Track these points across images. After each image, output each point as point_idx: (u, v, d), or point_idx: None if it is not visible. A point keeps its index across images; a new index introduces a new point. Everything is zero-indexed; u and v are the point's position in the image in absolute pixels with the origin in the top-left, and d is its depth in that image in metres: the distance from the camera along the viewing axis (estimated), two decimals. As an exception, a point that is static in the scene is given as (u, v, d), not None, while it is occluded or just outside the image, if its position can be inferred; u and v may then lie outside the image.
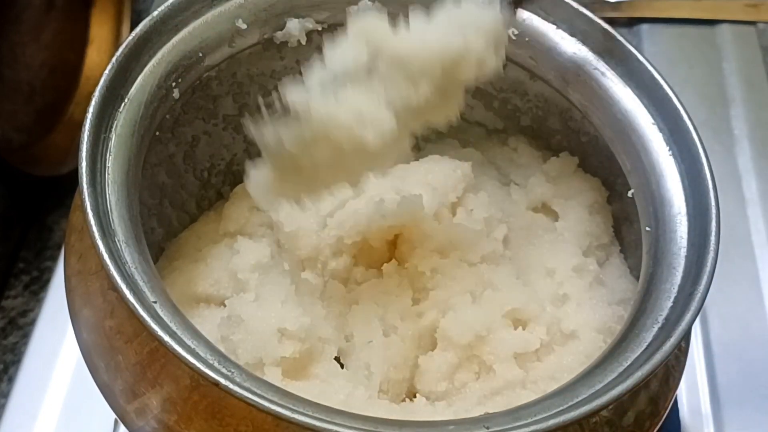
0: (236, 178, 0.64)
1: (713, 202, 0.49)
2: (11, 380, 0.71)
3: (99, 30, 0.84)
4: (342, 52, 0.47)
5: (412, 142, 0.50)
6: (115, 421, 0.67)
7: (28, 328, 0.75)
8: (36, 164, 0.79)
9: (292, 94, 0.47)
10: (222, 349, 0.51)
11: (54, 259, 0.79)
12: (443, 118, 0.49)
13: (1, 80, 0.72)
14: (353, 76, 0.46)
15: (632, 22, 0.96)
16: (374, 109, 0.46)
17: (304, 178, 0.49)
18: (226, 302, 0.56)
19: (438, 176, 0.60)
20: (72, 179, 0.47)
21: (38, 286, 0.79)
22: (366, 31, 0.47)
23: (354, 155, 0.47)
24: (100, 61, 0.84)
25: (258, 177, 0.50)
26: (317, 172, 0.49)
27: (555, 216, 0.62)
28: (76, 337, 0.48)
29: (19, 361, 0.72)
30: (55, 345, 0.71)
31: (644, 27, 0.96)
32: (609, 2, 0.96)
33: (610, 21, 0.57)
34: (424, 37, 0.46)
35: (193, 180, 0.62)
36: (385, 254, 0.58)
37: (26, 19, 0.75)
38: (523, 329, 0.55)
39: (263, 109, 0.48)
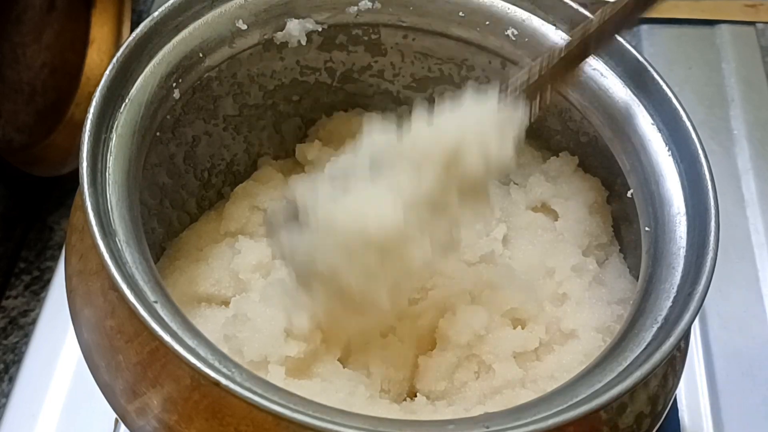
0: (236, 178, 0.65)
1: (712, 203, 0.49)
2: (12, 380, 0.71)
3: (99, 31, 0.84)
4: (345, 160, 0.49)
5: (448, 249, 0.49)
6: (116, 421, 0.66)
7: (28, 328, 0.75)
8: (37, 164, 0.79)
9: (301, 195, 0.48)
10: (226, 348, 0.51)
11: (55, 259, 0.79)
12: (475, 217, 0.50)
13: (2, 80, 0.72)
14: (358, 176, 0.48)
15: (632, 23, 0.96)
16: (377, 202, 0.46)
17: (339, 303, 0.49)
18: (231, 301, 0.57)
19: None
20: (73, 179, 0.47)
21: (39, 286, 0.78)
22: (373, 144, 0.48)
23: (376, 264, 0.46)
24: (100, 61, 0.84)
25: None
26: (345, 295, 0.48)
27: (554, 215, 0.62)
28: (77, 336, 0.49)
29: (19, 361, 0.71)
30: (56, 345, 0.71)
31: (643, 27, 0.96)
32: (609, 2, 0.96)
33: (609, 21, 0.57)
34: (424, 134, 0.47)
35: (194, 180, 0.63)
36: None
37: (27, 20, 0.75)
38: (523, 329, 0.56)
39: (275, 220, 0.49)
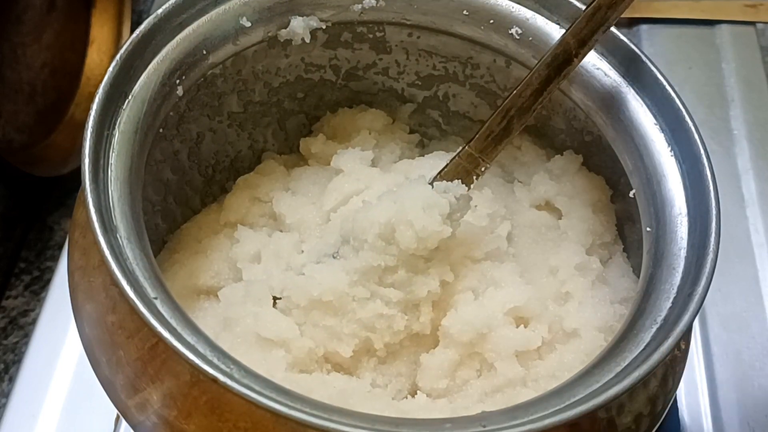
0: (240, 174, 0.65)
1: (714, 204, 0.49)
2: (12, 380, 0.71)
3: (100, 31, 0.85)
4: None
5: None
6: (116, 420, 0.67)
7: (28, 328, 0.75)
8: (37, 164, 0.79)
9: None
10: (226, 338, 0.51)
11: (55, 258, 0.80)
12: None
13: (3, 81, 0.72)
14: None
15: (632, 23, 0.95)
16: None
17: None
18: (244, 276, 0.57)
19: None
20: (73, 179, 0.47)
21: (39, 285, 0.79)
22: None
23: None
24: (100, 61, 0.84)
25: None
26: None
27: (558, 214, 0.62)
28: (79, 332, 0.49)
29: (19, 361, 0.72)
30: (56, 345, 0.71)
31: (643, 27, 0.95)
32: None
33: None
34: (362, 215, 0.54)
35: (198, 176, 0.63)
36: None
37: (27, 20, 0.75)
38: (525, 327, 0.55)
39: None
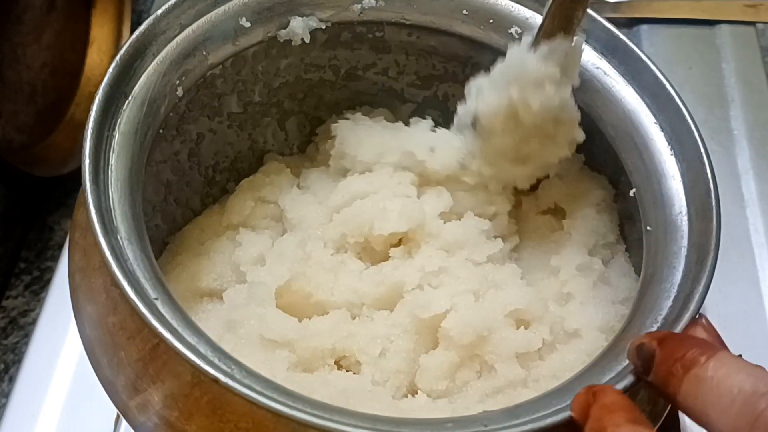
0: (241, 175, 0.65)
1: (714, 203, 0.49)
2: (12, 380, 0.71)
3: (100, 31, 0.84)
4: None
5: None
6: (116, 420, 0.67)
7: (29, 328, 0.75)
8: (37, 164, 0.79)
9: None
10: (229, 340, 0.51)
11: (55, 259, 0.79)
12: (555, 158, 0.58)
13: (2, 81, 0.72)
14: None
15: (631, 23, 0.95)
16: None
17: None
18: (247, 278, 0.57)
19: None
20: (73, 179, 0.47)
21: (39, 286, 0.79)
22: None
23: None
24: (100, 61, 0.84)
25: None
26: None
27: (562, 214, 0.62)
28: (80, 332, 0.49)
29: (20, 361, 0.71)
30: (56, 345, 0.71)
31: (643, 27, 0.95)
32: (608, 2, 0.95)
33: (610, 21, 0.57)
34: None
35: (198, 177, 0.63)
36: (388, 256, 0.59)
37: (27, 20, 0.75)
38: (526, 329, 0.55)
39: None
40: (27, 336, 0.74)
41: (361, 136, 0.61)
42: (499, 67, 0.55)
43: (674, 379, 0.39)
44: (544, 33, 0.52)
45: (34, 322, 0.74)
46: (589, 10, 0.56)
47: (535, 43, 0.53)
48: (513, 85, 0.53)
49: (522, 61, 0.53)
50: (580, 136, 0.56)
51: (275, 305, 0.54)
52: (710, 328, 0.44)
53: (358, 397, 0.51)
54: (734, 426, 0.36)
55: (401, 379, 0.54)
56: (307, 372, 0.53)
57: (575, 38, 0.52)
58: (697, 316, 0.45)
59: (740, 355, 0.39)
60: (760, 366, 0.38)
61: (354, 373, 0.54)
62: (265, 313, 0.53)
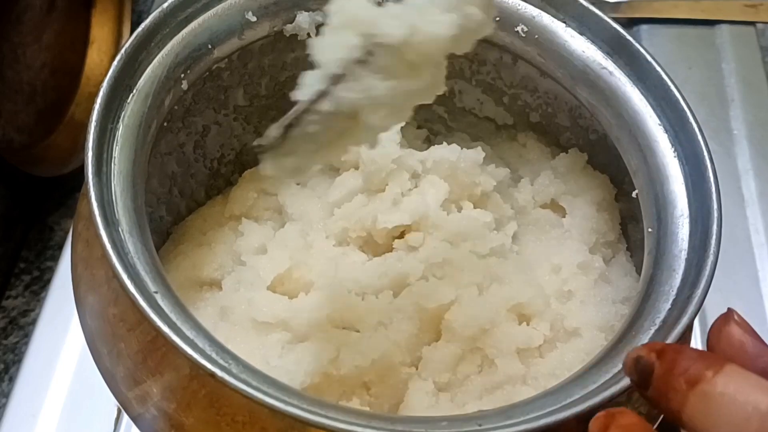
0: (245, 168, 0.65)
1: (716, 206, 0.49)
2: (12, 380, 0.71)
3: (100, 31, 0.84)
4: (331, 45, 0.45)
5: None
6: (116, 420, 0.67)
7: (29, 328, 0.75)
8: (37, 164, 0.79)
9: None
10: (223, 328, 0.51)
11: (55, 259, 0.79)
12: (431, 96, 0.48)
13: (2, 81, 0.72)
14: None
15: (631, 23, 0.95)
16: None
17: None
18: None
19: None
20: (73, 179, 0.47)
21: (39, 286, 0.79)
22: (352, 17, 0.43)
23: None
24: (100, 61, 0.84)
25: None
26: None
27: (562, 212, 0.62)
28: (81, 323, 0.49)
29: (20, 361, 0.71)
30: (56, 345, 0.71)
31: (643, 27, 0.95)
32: (609, 2, 0.95)
33: (610, 21, 0.57)
34: (417, 20, 0.42)
35: (203, 169, 0.63)
36: (391, 248, 0.59)
37: (27, 20, 0.75)
38: (527, 324, 0.56)
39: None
40: (27, 336, 0.74)
41: None
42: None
43: (677, 394, 0.36)
44: None
45: (34, 322, 0.74)
46: (595, 10, 0.56)
47: None
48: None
49: None
50: None
51: (266, 288, 0.54)
52: (743, 323, 0.40)
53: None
54: None
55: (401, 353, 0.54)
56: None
57: None
58: (727, 311, 0.42)
59: None
60: None
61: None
62: (255, 296, 0.53)
